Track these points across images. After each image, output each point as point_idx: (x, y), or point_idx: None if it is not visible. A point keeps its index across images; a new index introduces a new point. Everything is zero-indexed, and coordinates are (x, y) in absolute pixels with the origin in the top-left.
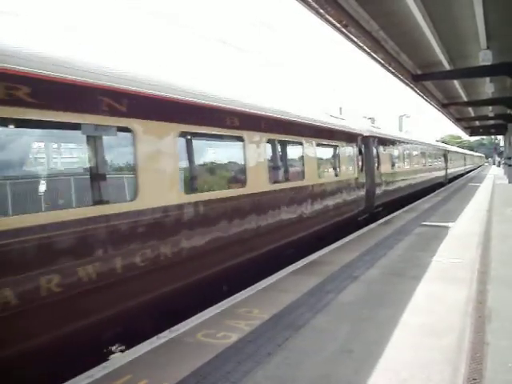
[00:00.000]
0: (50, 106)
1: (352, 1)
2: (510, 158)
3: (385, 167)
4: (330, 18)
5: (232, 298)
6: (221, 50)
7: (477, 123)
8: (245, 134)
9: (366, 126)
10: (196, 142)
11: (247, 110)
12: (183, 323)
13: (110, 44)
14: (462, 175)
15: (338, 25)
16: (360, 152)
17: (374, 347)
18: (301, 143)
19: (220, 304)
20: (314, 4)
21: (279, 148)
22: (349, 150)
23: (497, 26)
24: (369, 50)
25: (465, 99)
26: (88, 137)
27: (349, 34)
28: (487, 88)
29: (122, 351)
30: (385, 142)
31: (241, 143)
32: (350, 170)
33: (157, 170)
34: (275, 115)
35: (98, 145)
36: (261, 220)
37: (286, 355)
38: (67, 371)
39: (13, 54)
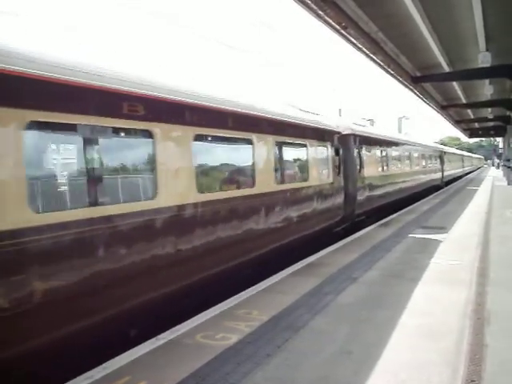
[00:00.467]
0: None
1: (351, 2)
2: (508, 160)
3: (369, 170)
4: (330, 20)
5: (231, 299)
6: (221, 50)
7: (476, 125)
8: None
9: (346, 123)
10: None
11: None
12: (182, 324)
13: (126, 50)
14: (460, 177)
15: (338, 26)
16: (337, 153)
17: (372, 349)
18: (249, 141)
19: (219, 306)
20: (313, 6)
21: (217, 147)
22: (321, 151)
23: (496, 28)
24: (368, 52)
25: (464, 101)
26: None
27: (348, 35)
28: (486, 90)
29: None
30: (369, 141)
31: None
32: (322, 174)
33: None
34: (204, 103)
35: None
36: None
37: (286, 356)
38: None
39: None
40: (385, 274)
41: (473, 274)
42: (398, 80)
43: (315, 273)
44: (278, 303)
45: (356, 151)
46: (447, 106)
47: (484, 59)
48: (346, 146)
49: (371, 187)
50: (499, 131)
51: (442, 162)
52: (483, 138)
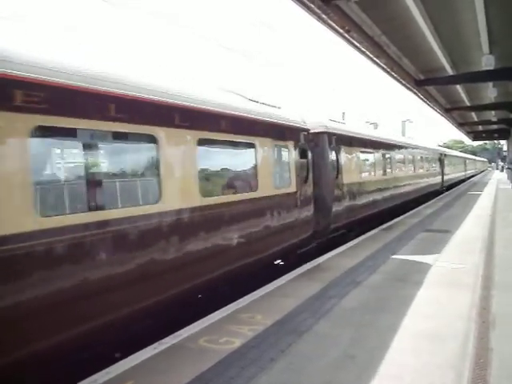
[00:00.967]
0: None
1: (355, 6)
2: None
3: (350, 176)
4: (333, 24)
5: (235, 303)
6: (220, 50)
7: (480, 128)
8: None
9: (318, 119)
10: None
11: None
12: (185, 329)
13: (128, 53)
14: (462, 181)
15: (341, 30)
16: (304, 155)
17: (376, 353)
18: (153, 139)
19: (222, 309)
20: (316, 9)
21: (95, 147)
22: (279, 152)
23: (499, 31)
24: (371, 55)
25: (468, 104)
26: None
27: (351, 39)
28: (490, 93)
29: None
30: (349, 141)
31: None
32: (279, 181)
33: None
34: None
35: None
36: None
37: (290, 361)
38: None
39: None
40: (389, 277)
41: (477, 277)
42: (401, 83)
43: (319, 277)
44: (281, 307)
45: (332, 153)
46: (451, 109)
47: (487, 62)
48: (319, 147)
49: (352, 196)
50: (503, 134)
51: (442, 166)
52: (487, 141)
